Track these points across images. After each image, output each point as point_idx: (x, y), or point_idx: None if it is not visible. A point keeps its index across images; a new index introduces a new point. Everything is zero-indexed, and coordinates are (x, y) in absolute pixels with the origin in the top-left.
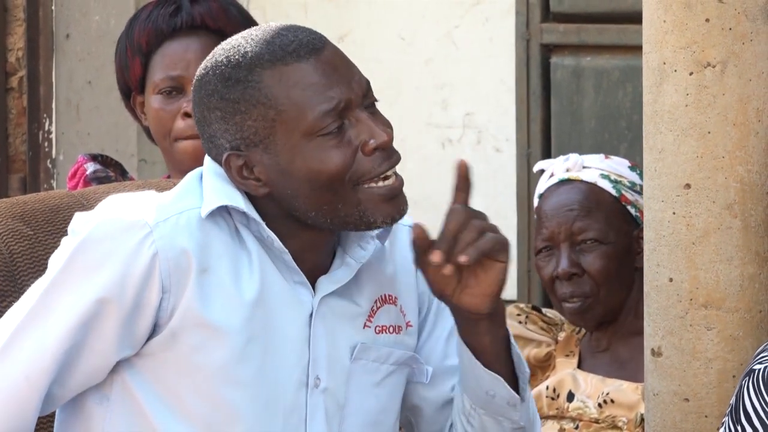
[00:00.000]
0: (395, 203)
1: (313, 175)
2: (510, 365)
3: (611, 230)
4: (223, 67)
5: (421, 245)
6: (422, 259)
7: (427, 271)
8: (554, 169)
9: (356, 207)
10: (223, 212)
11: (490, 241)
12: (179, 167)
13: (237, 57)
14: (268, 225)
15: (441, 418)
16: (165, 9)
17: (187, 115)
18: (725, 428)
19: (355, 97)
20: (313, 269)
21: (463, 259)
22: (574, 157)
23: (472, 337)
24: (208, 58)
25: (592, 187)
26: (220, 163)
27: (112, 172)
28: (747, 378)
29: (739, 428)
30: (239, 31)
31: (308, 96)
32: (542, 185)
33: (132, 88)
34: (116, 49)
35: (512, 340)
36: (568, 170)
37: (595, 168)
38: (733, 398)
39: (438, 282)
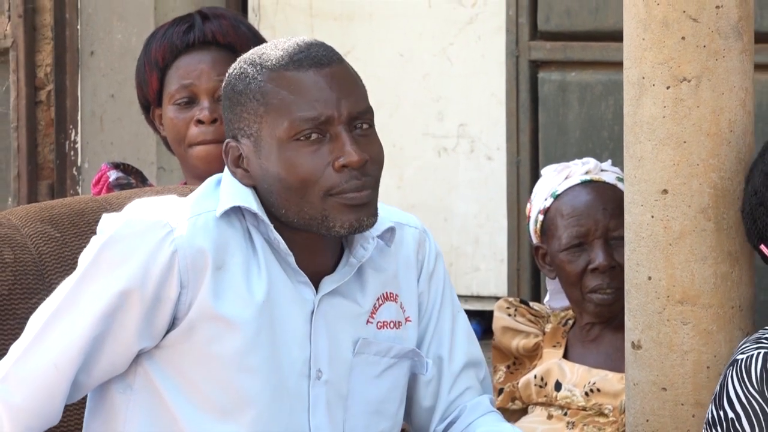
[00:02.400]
0: (357, 213)
1: (283, 175)
2: None
3: None
4: (242, 64)
5: None
6: None
7: None
8: (570, 171)
9: (320, 212)
10: (238, 214)
11: None
12: (193, 172)
13: (255, 57)
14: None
15: (427, 416)
16: (179, 27)
17: (199, 122)
18: (709, 413)
19: (339, 115)
20: (319, 271)
21: None
22: (593, 161)
23: None
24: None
25: (614, 188)
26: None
27: (133, 179)
28: (731, 367)
29: (721, 413)
30: (248, 46)
31: (294, 101)
32: (558, 186)
33: (151, 102)
34: (136, 66)
35: None
36: (588, 173)
37: (611, 171)
38: (717, 386)
39: None
